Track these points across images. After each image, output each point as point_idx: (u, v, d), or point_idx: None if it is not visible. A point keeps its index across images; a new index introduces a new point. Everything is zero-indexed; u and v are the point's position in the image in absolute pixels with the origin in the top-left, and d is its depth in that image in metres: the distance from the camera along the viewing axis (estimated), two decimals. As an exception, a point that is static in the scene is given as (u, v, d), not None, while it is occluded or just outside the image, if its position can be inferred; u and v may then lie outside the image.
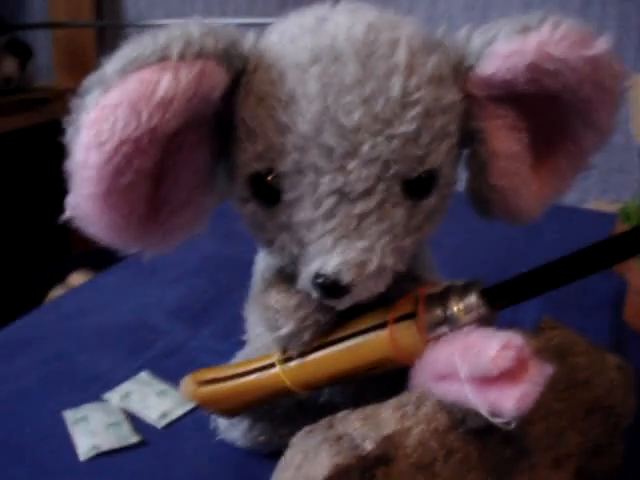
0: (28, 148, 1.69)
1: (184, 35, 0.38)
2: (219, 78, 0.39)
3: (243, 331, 0.59)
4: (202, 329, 0.73)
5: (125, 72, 0.37)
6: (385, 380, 0.48)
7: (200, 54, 0.38)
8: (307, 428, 0.42)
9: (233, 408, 0.49)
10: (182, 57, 0.37)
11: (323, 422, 0.42)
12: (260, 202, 0.42)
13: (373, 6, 0.43)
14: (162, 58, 0.37)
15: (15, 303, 1.57)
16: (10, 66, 1.48)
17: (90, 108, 0.37)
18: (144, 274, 0.88)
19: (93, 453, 0.54)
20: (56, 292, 1.38)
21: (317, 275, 0.40)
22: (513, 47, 0.40)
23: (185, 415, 0.59)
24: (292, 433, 0.45)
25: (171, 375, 0.64)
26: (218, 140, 0.43)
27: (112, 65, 0.37)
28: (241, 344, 0.58)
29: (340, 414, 0.42)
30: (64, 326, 0.75)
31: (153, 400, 0.60)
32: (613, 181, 1.41)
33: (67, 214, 0.40)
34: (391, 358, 0.44)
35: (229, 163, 0.44)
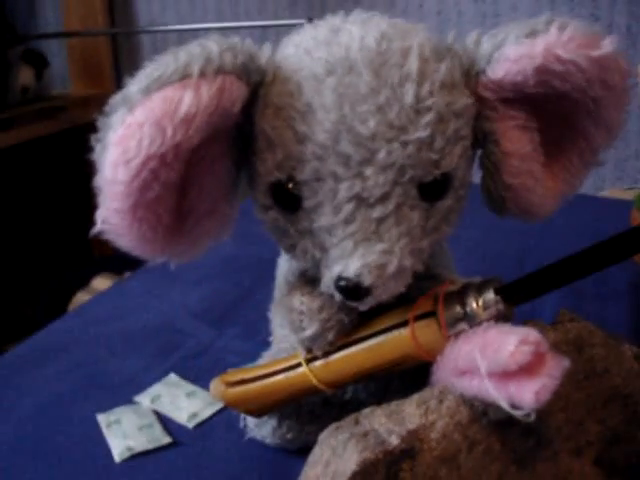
0: (47, 156, 1.72)
1: (204, 52, 0.39)
2: (239, 92, 0.40)
3: (267, 331, 0.60)
4: (227, 330, 0.75)
5: (149, 91, 0.38)
6: (407, 376, 0.49)
7: (220, 70, 0.39)
8: (334, 425, 0.43)
9: (261, 408, 0.51)
10: (203, 74, 0.38)
11: (349, 419, 0.43)
12: (281, 209, 0.44)
13: (384, 15, 0.44)
14: (184, 76, 0.38)
15: (38, 308, 1.60)
16: (26, 76, 1.51)
17: (116, 126, 0.38)
18: (167, 278, 0.90)
19: (127, 454, 0.56)
20: (81, 297, 1.40)
21: (339, 278, 0.41)
22: (522, 50, 0.41)
23: (214, 415, 0.61)
24: (319, 430, 0.46)
25: (199, 376, 0.66)
26: (239, 150, 0.45)
27: (136, 84, 0.39)
28: (266, 344, 0.60)
29: (365, 410, 0.44)
30: (92, 331, 0.77)
31: (183, 401, 0.62)
32: (628, 168, 1.41)
33: (97, 228, 0.42)
34: (413, 355, 0.45)
35: (250, 172, 0.45)
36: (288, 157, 0.42)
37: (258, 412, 0.52)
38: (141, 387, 0.65)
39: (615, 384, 0.48)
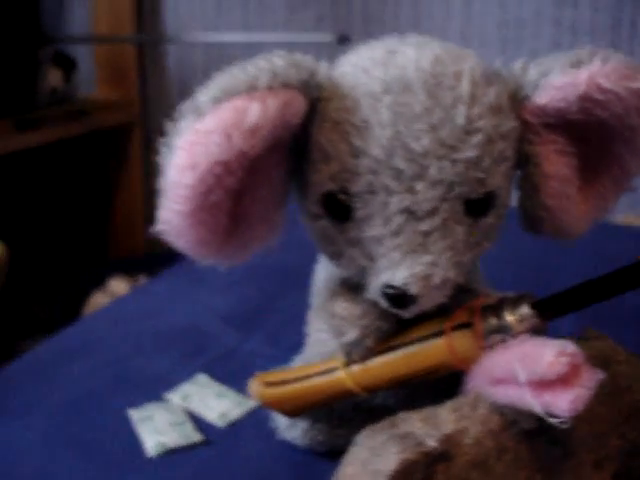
0: (69, 157, 1.74)
1: (271, 67, 0.42)
2: (300, 106, 0.43)
3: (293, 337, 0.62)
4: (253, 334, 0.77)
5: (218, 100, 0.40)
6: (433, 386, 0.51)
7: (285, 84, 0.42)
8: (371, 427, 0.45)
9: (297, 409, 0.53)
10: (269, 87, 0.41)
11: (387, 422, 0.45)
12: (332, 219, 0.46)
13: (437, 40, 0.47)
14: (252, 88, 0.41)
15: (50, 308, 1.61)
16: (55, 77, 1.53)
17: (185, 132, 0.41)
18: (192, 282, 0.92)
19: (160, 450, 0.58)
20: (98, 298, 1.42)
21: (387, 286, 0.44)
22: (567, 79, 0.44)
23: (244, 415, 0.62)
24: (348, 433, 0.49)
25: (227, 378, 0.67)
26: (293, 160, 0.47)
27: (206, 94, 0.41)
28: (292, 349, 0.62)
29: (400, 415, 0.46)
30: (119, 330, 0.79)
31: (212, 401, 0.64)
32: (642, 195, 1.43)
33: (158, 228, 0.44)
34: (448, 364, 0.48)
35: (301, 181, 0.48)
36: (343, 170, 0.44)
37: (293, 413, 0.54)
38: (170, 385, 0.67)
39: (637, 400, 0.50)
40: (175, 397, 0.65)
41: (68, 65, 1.58)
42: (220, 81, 0.42)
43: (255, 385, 0.53)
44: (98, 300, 1.41)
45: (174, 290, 0.91)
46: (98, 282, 1.55)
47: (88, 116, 1.54)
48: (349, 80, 0.45)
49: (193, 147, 0.40)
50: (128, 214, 1.80)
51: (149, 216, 1.80)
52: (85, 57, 1.71)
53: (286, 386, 0.52)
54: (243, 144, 0.40)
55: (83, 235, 1.84)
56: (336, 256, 0.48)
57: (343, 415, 0.55)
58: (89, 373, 0.70)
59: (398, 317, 0.48)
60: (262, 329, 0.78)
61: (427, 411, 0.46)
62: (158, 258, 1.76)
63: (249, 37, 1.49)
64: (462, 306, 0.48)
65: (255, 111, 0.40)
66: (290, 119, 0.42)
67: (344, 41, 1.17)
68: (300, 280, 0.86)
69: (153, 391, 0.66)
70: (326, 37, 1.20)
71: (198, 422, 0.62)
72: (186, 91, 0.44)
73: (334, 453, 0.54)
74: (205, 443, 0.59)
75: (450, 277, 0.44)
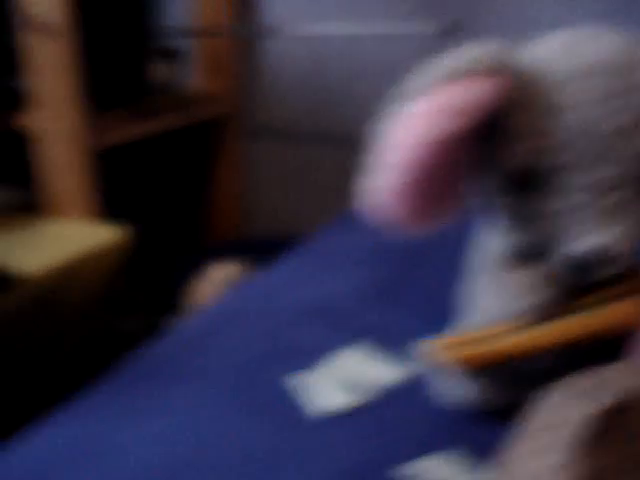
0: (170, 148, 1.80)
1: (481, 55, 0.46)
2: (501, 90, 0.48)
3: (431, 309, 0.65)
4: (392, 308, 0.81)
5: (435, 85, 0.46)
6: (590, 352, 0.55)
7: (493, 70, 0.46)
8: (552, 385, 0.49)
9: (476, 369, 0.57)
10: (482, 73, 0.46)
11: (566, 380, 0.49)
12: (520, 193, 0.51)
13: (613, 30, 0.51)
14: (468, 73, 0.46)
15: (149, 291, 1.67)
16: (162, 70, 1.59)
17: (404, 114, 0.46)
18: (317, 263, 0.96)
19: (322, 413, 0.62)
20: (201, 285, 1.45)
21: (578, 253, 0.48)
22: None
23: (399, 382, 0.66)
24: (510, 395, 0.53)
25: (375, 349, 0.71)
26: (480, 139, 0.51)
27: (423, 79, 0.46)
28: (432, 322, 0.65)
29: (579, 375, 0.50)
30: (262, 307, 0.83)
31: (368, 369, 0.68)
32: None
33: (365, 202, 0.49)
34: (622, 326, 0.52)
35: (488, 159, 0.52)
36: (534, 148, 0.48)
37: (471, 373, 0.58)
38: (323, 355, 0.71)
39: None
40: (331, 365, 0.69)
41: (173, 57, 1.63)
42: (437, 68, 0.47)
43: (436, 347, 0.58)
44: (202, 287, 1.45)
45: (302, 270, 0.95)
46: (193, 267, 1.60)
47: (190, 107, 1.60)
48: (542, 66, 0.49)
49: (412, 128, 0.45)
50: (224, 203, 1.86)
51: (245, 205, 1.83)
52: (187, 50, 1.76)
53: (466, 347, 0.56)
54: (457, 125, 0.45)
55: (181, 222, 1.89)
56: (521, 228, 0.53)
57: (507, 378, 0.59)
58: (241, 345, 0.75)
59: (572, 284, 0.52)
60: (398, 305, 0.82)
61: (602, 370, 0.50)
62: (253, 244, 1.82)
63: (351, 28, 1.51)
64: (631, 274, 0.52)
65: (469, 94, 0.45)
66: (493, 102, 0.47)
67: (451, 32, 1.20)
68: (421, 259, 0.89)
69: (308, 360, 0.70)
70: (430, 28, 1.24)
71: (355, 388, 0.65)
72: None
73: (487, 416, 0.59)
74: (365, 407, 0.63)
75: (631, 247, 0.49)
